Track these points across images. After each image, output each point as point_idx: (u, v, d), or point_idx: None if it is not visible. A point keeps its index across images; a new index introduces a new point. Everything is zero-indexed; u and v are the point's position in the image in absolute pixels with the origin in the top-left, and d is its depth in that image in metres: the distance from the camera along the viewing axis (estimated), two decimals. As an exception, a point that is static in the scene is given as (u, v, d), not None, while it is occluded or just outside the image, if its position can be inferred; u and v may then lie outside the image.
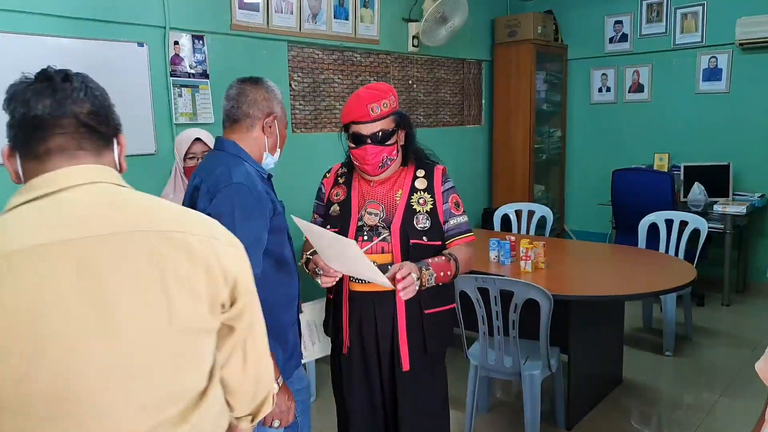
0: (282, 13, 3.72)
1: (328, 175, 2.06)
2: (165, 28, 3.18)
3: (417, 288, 1.67)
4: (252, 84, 1.75)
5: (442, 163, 2.02)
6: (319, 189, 2.05)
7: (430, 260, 1.77)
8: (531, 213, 4.34)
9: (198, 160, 2.35)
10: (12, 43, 2.62)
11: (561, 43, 5.79)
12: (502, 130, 5.65)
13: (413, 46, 4.70)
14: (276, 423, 1.60)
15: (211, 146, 2.35)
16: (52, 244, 0.86)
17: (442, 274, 1.76)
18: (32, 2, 2.68)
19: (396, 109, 1.88)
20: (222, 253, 0.97)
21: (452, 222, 1.91)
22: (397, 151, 1.91)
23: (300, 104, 4.00)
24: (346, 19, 4.14)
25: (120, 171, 1.03)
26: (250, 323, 1.05)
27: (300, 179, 3.96)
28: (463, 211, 1.95)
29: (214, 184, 1.56)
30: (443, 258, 1.80)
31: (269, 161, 1.77)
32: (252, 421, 1.15)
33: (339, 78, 4.24)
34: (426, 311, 1.86)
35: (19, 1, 2.64)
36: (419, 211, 1.86)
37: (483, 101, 5.69)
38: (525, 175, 5.55)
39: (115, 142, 1.03)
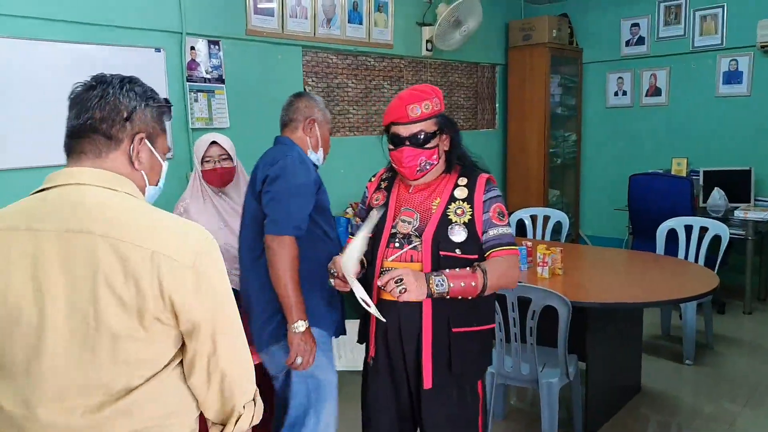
0: (297, 18, 3.72)
1: (372, 179, 1.99)
2: (181, 33, 3.19)
3: (422, 294, 1.60)
4: (297, 96, 2.21)
5: (490, 172, 1.90)
6: (364, 192, 2.01)
7: (449, 270, 1.66)
8: (546, 218, 4.29)
9: (215, 163, 2.35)
10: (35, 50, 2.64)
11: (576, 47, 5.74)
12: (516, 134, 5.61)
13: (427, 50, 4.68)
14: (299, 360, 1.93)
15: (228, 150, 2.38)
16: (17, 230, 1.02)
17: (462, 284, 1.63)
18: (53, 10, 2.70)
19: (440, 111, 1.79)
20: (166, 272, 1.01)
21: (492, 232, 1.74)
22: (439, 156, 1.80)
23: (314, 109, 3.98)
24: (360, 23, 4.14)
25: (136, 168, 1.13)
26: (210, 347, 1.08)
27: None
28: (508, 223, 1.78)
29: (273, 158, 2.00)
30: (468, 269, 1.67)
31: (312, 158, 2.13)
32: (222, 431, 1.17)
33: (353, 83, 4.23)
34: (454, 329, 1.72)
35: (41, 9, 2.66)
36: (455, 221, 1.73)
37: (497, 105, 5.65)
38: (540, 180, 5.50)
39: (129, 142, 1.12)
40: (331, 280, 1.76)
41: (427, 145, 1.76)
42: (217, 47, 3.37)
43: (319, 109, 2.16)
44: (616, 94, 5.68)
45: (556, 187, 5.86)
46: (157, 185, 1.21)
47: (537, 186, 5.51)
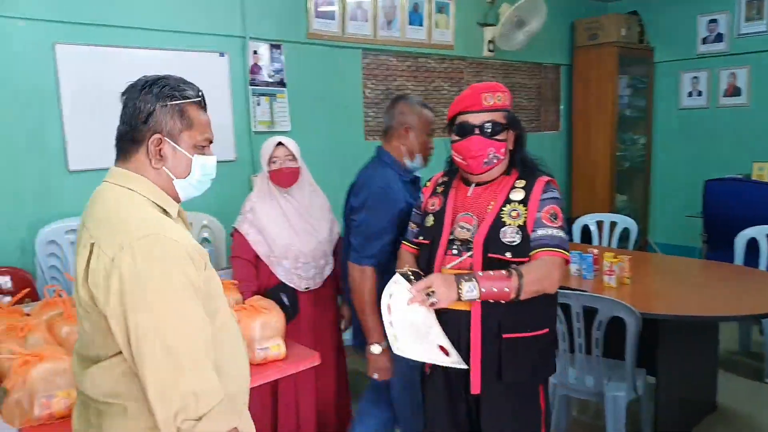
0: (357, 20, 3.73)
1: (428, 184, 1.94)
2: (245, 38, 3.25)
3: (452, 300, 1.57)
4: (394, 101, 2.18)
5: (553, 175, 1.82)
6: (418, 197, 1.97)
7: (482, 273, 1.60)
8: (613, 224, 4.11)
9: (281, 164, 2.39)
10: (109, 56, 2.77)
11: (647, 45, 5.49)
12: (581, 136, 5.42)
13: (489, 50, 4.59)
14: (375, 375, 2.02)
15: (293, 151, 2.42)
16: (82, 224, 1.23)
17: (494, 289, 1.56)
18: (125, 18, 2.82)
19: (509, 107, 1.74)
20: (118, 264, 1.09)
21: (539, 232, 1.65)
22: (505, 153, 1.74)
23: (373, 112, 3.98)
24: (421, 25, 4.10)
25: (154, 166, 1.22)
26: (128, 349, 1.11)
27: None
28: (561, 226, 1.67)
29: (361, 185, 2.12)
30: (503, 272, 1.59)
31: (409, 166, 2.14)
32: None
33: (412, 84, 4.20)
34: (504, 336, 1.64)
35: (114, 18, 2.78)
36: (509, 224, 1.66)
37: (561, 107, 5.48)
38: (606, 184, 5.30)
39: (148, 142, 1.22)
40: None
41: (497, 137, 1.70)
42: (278, 51, 3.41)
43: (415, 113, 2.12)
44: (690, 94, 5.39)
45: (624, 192, 5.62)
46: (186, 179, 1.26)
47: (603, 191, 5.30)
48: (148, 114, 1.20)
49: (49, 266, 2.45)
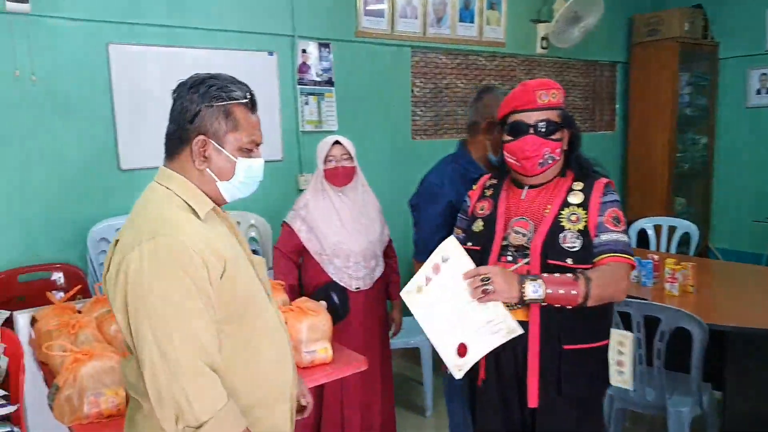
0: (406, 18, 3.66)
1: (474, 187, 1.86)
2: (293, 36, 3.23)
3: (512, 298, 1.47)
4: (479, 93, 2.12)
5: (610, 176, 1.73)
6: (464, 201, 1.88)
7: (547, 274, 1.51)
8: (672, 228, 3.92)
9: (337, 162, 2.38)
10: (159, 55, 2.80)
11: (711, 41, 5.20)
12: (638, 137, 5.19)
13: (542, 47, 4.45)
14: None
15: (350, 150, 2.41)
16: None
17: (561, 291, 1.47)
18: (175, 17, 2.84)
19: (563, 105, 1.66)
20: (126, 263, 1.10)
21: (604, 237, 1.58)
22: (560, 153, 1.66)
23: (421, 110, 3.91)
24: (472, 21, 4.00)
25: (197, 167, 1.21)
26: (140, 358, 1.12)
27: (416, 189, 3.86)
28: (624, 230, 1.60)
29: (422, 180, 2.18)
30: (569, 275, 1.51)
31: (496, 161, 2.01)
32: None
33: (462, 83, 4.10)
34: (565, 347, 1.56)
35: (164, 17, 2.81)
36: (569, 228, 1.58)
37: (617, 106, 5.28)
38: (664, 187, 5.05)
39: (190, 143, 1.21)
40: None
41: (553, 137, 1.62)
42: (327, 50, 3.38)
43: (491, 105, 2.02)
44: (758, 92, 5.08)
45: (683, 194, 5.36)
46: (230, 181, 1.24)
47: (661, 193, 5.06)
48: (194, 114, 1.19)
49: (100, 263, 2.49)
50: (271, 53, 3.17)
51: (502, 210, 1.70)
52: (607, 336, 1.66)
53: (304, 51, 3.28)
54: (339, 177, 2.40)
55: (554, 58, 4.64)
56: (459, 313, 1.51)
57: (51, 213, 2.57)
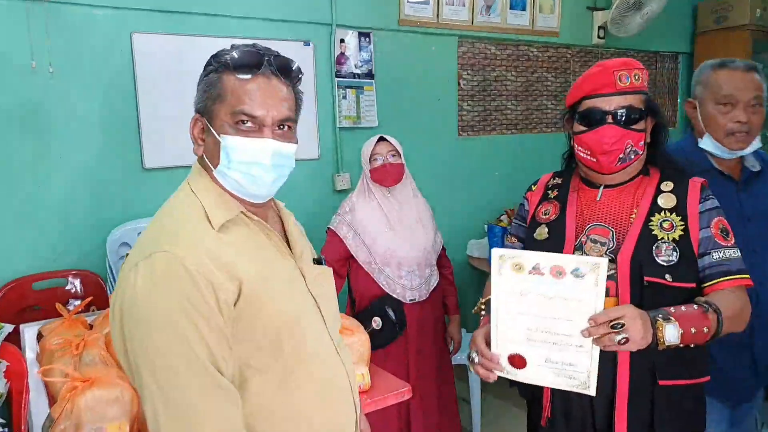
0: (453, 5, 3.39)
1: (534, 188, 1.60)
2: (331, 25, 3.01)
3: (646, 343, 1.17)
4: (714, 66, 1.77)
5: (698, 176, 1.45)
6: (521, 205, 1.61)
7: (674, 309, 1.24)
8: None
9: (384, 159, 2.20)
10: (185, 44, 2.59)
11: (786, 29, 4.76)
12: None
13: (599, 37, 4.11)
14: None
15: (396, 146, 2.22)
16: None
17: (693, 331, 1.21)
18: (203, 4, 2.64)
19: (647, 89, 1.40)
20: (124, 284, 0.96)
21: (716, 256, 1.32)
22: (644, 146, 1.41)
23: (468, 105, 3.63)
24: (524, 9, 3.70)
25: (195, 152, 1.08)
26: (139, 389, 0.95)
27: (463, 188, 3.61)
28: (734, 243, 1.35)
29: None
30: (696, 308, 1.25)
31: (707, 147, 1.75)
32: None
33: (512, 75, 3.81)
34: (661, 382, 1.32)
35: (191, 4, 2.61)
36: (662, 238, 1.33)
37: (679, 100, 4.89)
38: None
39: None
40: (473, 366, 1.34)
41: (635, 126, 1.36)
42: (367, 40, 3.14)
43: (701, 81, 1.76)
44: (841, 83, 4.60)
45: (753, 197, 4.92)
46: (218, 168, 1.04)
47: (728, 195, 4.65)
48: (197, 93, 1.07)
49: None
50: (307, 43, 2.95)
51: (572, 214, 1.44)
52: (705, 372, 1.38)
53: (342, 41, 3.05)
54: (387, 175, 2.20)
55: (612, 48, 4.30)
56: (543, 332, 1.21)
57: (69, 215, 2.40)
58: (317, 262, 1.20)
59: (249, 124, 1.01)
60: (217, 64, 1.04)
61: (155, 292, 0.91)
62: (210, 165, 1.05)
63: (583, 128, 1.39)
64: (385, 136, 2.24)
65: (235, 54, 1.02)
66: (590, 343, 1.16)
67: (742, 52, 4.50)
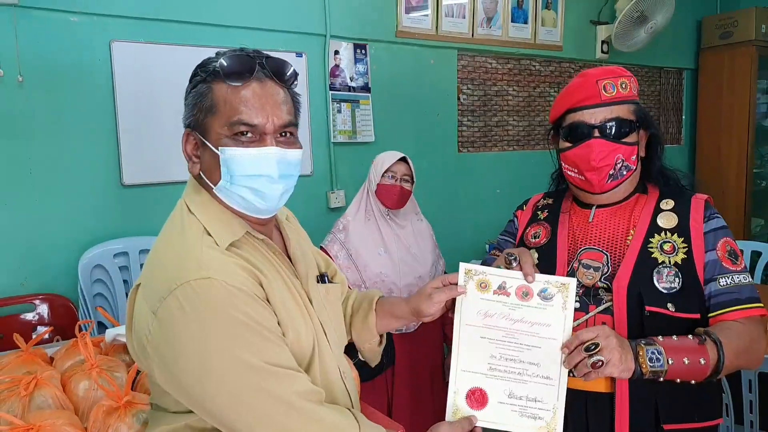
0: (453, 17, 3.27)
1: (524, 207, 1.49)
2: (325, 36, 2.88)
3: (627, 370, 1.05)
4: None
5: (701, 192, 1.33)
6: (511, 222, 1.49)
7: (662, 338, 1.11)
8: (756, 254, 3.39)
9: (398, 181, 2.10)
10: (168, 54, 2.46)
11: (792, 44, 4.67)
12: (709, 150, 4.73)
13: (602, 52, 4.01)
14: None
15: (413, 173, 2.14)
16: None
17: (686, 361, 1.08)
18: (189, 11, 2.51)
19: (637, 98, 1.29)
20: (136, 305, 0.92)
21: (723, 282, 1.18)
22: (637, 161, 1.29)
23: (468, 120, 3.50)
24: (525, 22, 3.59)
25: (190, 170, 0.99)
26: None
27: (463, 206, 3.46)
28: (744, 267, 1.22)
29: None
30: (691, 338, 1.12)
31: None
32: None
33: (514, 90, 3.68)
34: (666, 426, 1.17)
35: (176, 11, 2.48)
36: (663, 261, 1.20)
37: (684, 117, 4.81)
38: (740, 207, 4.59)
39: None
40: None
41: (626, 139, 1.25)
42: (363, 51, 3.01)
43: None
44: None
45: (761, 215, 4.86)
46: (220, 184, 0.95)
47: (736, 214, 4.59)
48: (185, 106, 0.98)
49: (94, 294, 2.14)
50: (299, 54, 2.81)
51: (563, 237, 1.32)
52: (716, 414, 1.23)
53: (336, 53, 2.92)
54: (395, 197, 2.09)
55: (615, 63, 4.18)
56: (507, 361, 1.10)
57: (38, 235, 2.23)
58: (321, 279, 1.14)
59: (249, 134, 0.93)
60: (205, 74, 0.95)
61: (209, 317, 0.84)
62: (209, 183, 0.96)
63: (568, 144, 1.28)
64: (407, 158, 2.15)
65: (223, 61, 0.93)
66: (558, 376, 1.08)
67: (748, 68, 4.44)
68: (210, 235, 0.92)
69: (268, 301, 0.92)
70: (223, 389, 0.83)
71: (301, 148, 1.00)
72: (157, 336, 0.86)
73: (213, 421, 0.86)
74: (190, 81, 0.98)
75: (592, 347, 1.03)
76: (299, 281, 1.03)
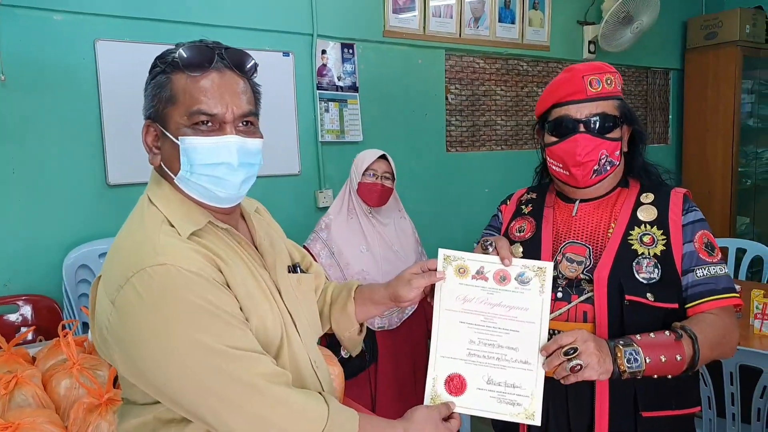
0: (440, 17, 3.28)
1: (508, 202, 1.50)
2: (312, 35, 2.87)
3: (605, 372, 1.06)
4: None
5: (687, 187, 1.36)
6: (495, 216, 1.51)
7: (640, 336, 1.12)
8: (740, 251, 3.43)
9: (378, 179, 2.11)
10: (154, 54, 2.43)
11: (774, 45, 4.73)
12: (695, 150, 4.77)
13: (589, 52, 4.04)
14: None
15: (394, 170, 2.14)
16: None
17: (663, 359, 1.10)
18: (174, 11, 2.50)
19: (621, 94, 1.31)
20: (97, 297, 0.93)
21: (699, 273, 1.21)
22: (620, 156, 1.31)
23: (456, 120, 3.51)
24: (512, 22, 3.60)
25: (150, 162, 1.00)
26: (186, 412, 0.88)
27: (452, 206, 3.47)
28: (721, 259, 1.24)
29: None
30: (668, 334, 1.13)
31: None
32: None
33: (501, 90, 3.69)
34: (645, 414, 1.20)
35: (162, 10, 2.47)
36: (642, 253, 1.22)
37: (670, 116, 4.85)
38: (725, 205, 4.62)
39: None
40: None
41: (610, 135, 1.27)
42: (350, 51, 3.01)
43: None
44: (832, 100, 4.56)
45: (746, 213, 4.92)
46: (180, 173, 0.95)
47: (722, 212, 4.63)
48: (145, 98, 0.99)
49: (79, 295, 2.12)
50: (286, 53, 2.81)
51: (548, 232, 1.34)
52: (694, 402, 1.26)
53: (323, 52, 2.92)
54: (376, 195, 2.10)
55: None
56: (486, 346, 1.11)
57: (22, 235, 2.21)
58: (293, 269, 1.14)
59: (209, 124, 0.94)
60: (165, 65, 0.96)
61: (166, 303, 0.84)
62: (170, 173, 0.97)
63: (553, 139, 1.30)
64: (387, 156, 2.15)
65: (183, 51, 0.95)
66: (536, 361, 1.09)
67: (733, 68, 4.48)
68: (172, 225, 0.93)
69: (228, 286, 0.92)
70: (184, 374, 0.83)
71: (261, 137, 1.00)
72: (117, 325, 0.86)
73: (177, 408, 0.86)
74: (150, 72, 0.99)
75: (571, 351, 1.04)
76: (267, 272, 1.04)
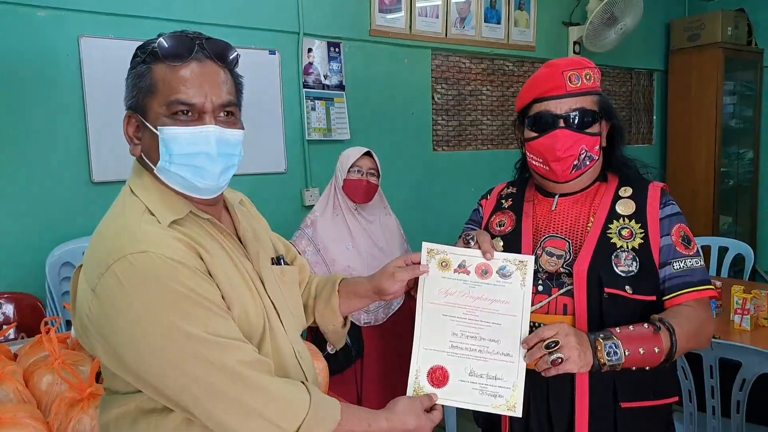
0: (426, 16, 3.30)
1: (488, 197, 1.51)
2: (299, 34, 2.88)
3: (586, 365, 1.08)
4: None
5: (661, 181, 1.38)
6: (476, 210, 1.51)
7: (620, 329, 1.14)
8: (722, 250, 3.49)
9: (363, 175, 2.12)
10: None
11: (756, 47, 4.82)
12: (678, 150, 4.82)
13: (574, 52, 4.07)
14: None
15: (379, 167, 2.15)
16: None
17: (641, 351, 1.12)
18: (159, 8, 2.50)
19: (600, 89, 1.32)
20: (78, 286, 0.93)
21: (676, 266, 1.23)
22: (599, 151, 1.32)
23: (442, 119, 3.53)
24: (498, 22, 3.63)
25: (131, 152, 1.01)
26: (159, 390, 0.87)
27: (438, 205, 3.49)
28: (697, 252, 1.26)
29: None
30: (647, 327, 1.15)
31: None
32: None
33: (487, 89, 3.72)
34: (623, 404, 1.21)
35: (146, 7, 2.47)
36: (621, 246, 1.24)
37: (654, 117, 4.91)
38: (708, 205, 4.69)
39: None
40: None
41: (589, 130, 1.28)
42: (336, 50, 3.02)
43: None
44: (811, 101, 4.63)
45: (728, 213, 4.98)
46: (160, 163, 0.95)
47: (704, 212, 4.70)
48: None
49: (63, 293, 2.11)
50: (272, 52, 2.81)
51: (528, 226, 1.35)
52: (672, 392, 1.28)
53: (310, 50, 2.92)
54: (361, 191, 2.11)
55: (587, 64, 4.26)
56: (468, 338, 1.13)
57: (5, 232, 2.20)
58: (277, 261, 1.14)
59: (189, 114, 0.94)
60: (145, 55, 0.96)
61: (147, 290, 0.84)
62: (150, 164, 0.97)
63: (533, 134, 1.31)
64: (372, 152, 2.16)
65: (163, 41, 0.94)
66: (517, 353, 1.10)
67: (715, 70, 4.54)
68: (152, 214, 0.93)
69: (210, 274, 0.92)
70: (164, 361, 0.83)
71: (242, 129, 1.00)
72: (97, 313, 0.86)
73: (158, 396, 0.86)
74: (131, 63, 0.98)
75: (552, 345, 1.06)
76: (249, 262, 1.04)
